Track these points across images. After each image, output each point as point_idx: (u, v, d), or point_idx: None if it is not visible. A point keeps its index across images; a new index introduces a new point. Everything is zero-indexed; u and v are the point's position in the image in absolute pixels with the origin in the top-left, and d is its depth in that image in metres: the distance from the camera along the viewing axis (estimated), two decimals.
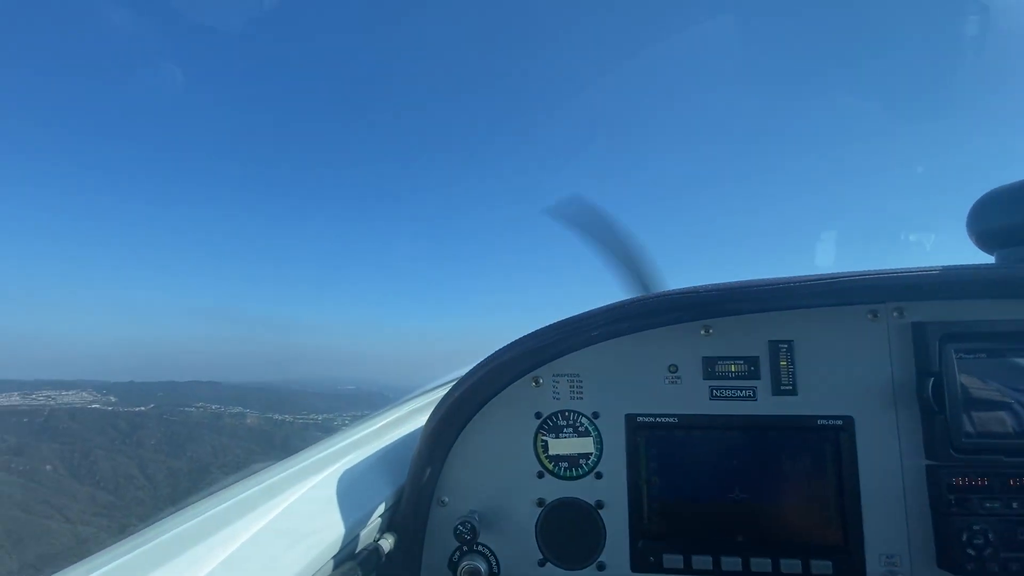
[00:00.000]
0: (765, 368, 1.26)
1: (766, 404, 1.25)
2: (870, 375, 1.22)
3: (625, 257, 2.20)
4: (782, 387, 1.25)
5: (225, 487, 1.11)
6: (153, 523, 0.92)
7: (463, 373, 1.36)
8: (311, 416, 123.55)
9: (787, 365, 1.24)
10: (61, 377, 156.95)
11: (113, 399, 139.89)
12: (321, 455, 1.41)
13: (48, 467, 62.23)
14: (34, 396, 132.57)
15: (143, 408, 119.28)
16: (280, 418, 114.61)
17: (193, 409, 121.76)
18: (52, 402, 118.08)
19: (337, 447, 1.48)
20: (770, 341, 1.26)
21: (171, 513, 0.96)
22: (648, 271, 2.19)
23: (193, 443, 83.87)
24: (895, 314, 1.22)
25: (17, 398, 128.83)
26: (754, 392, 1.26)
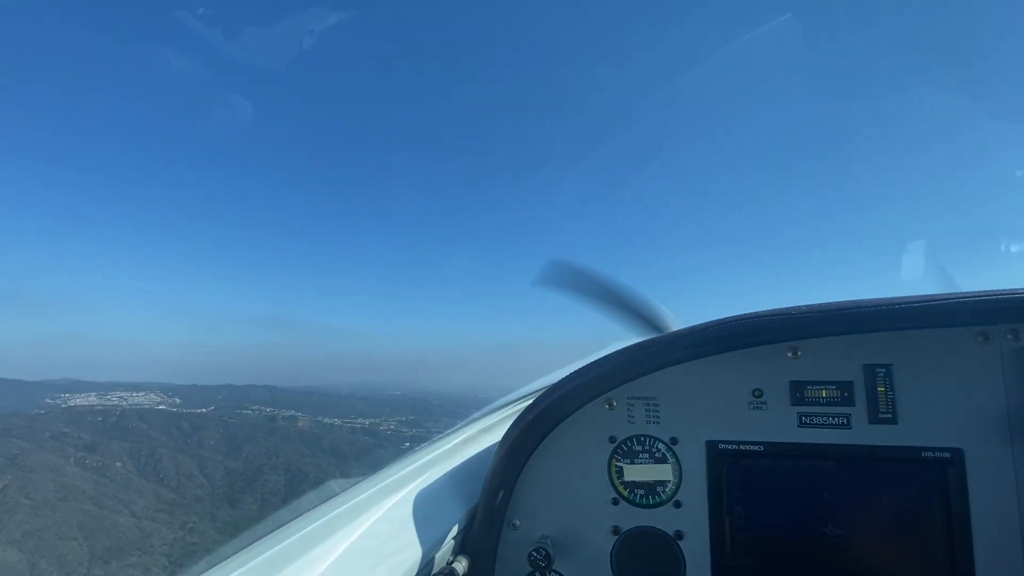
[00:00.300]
0: (860, 394, 1.16)
1: (862, 433, 1.15)
2: (981, 403, 1.11)
3: (626, 309, 2.06)
4: (880, 415, 1.14)
5: (308, 507, 1.16)
6: (238, 547, 0.94)
7: (533, 389, 1.47)
8: (358, 420, 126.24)
9: (885, 391, 1.14)
10: (133, 380, 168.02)
11: (178, 401, 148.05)
12: (399, 474, 1.43)
13: (118, 464, 65.95)
14: (108, 397, 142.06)
15: (204, 410, 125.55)
16: (329, 421, 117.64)
17: (249, 412, 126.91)
18: (124, 403, 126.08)
19: (413, 466, 1.50)
20: (865, 365, 1.16)
21: (257, 537, 0.99)
22: (655, 316, 2.05)
23: (249, 444, 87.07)
24: (1009, 336, 1.10)
25: (94, 398, 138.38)
26: (848, 420, 1.16)
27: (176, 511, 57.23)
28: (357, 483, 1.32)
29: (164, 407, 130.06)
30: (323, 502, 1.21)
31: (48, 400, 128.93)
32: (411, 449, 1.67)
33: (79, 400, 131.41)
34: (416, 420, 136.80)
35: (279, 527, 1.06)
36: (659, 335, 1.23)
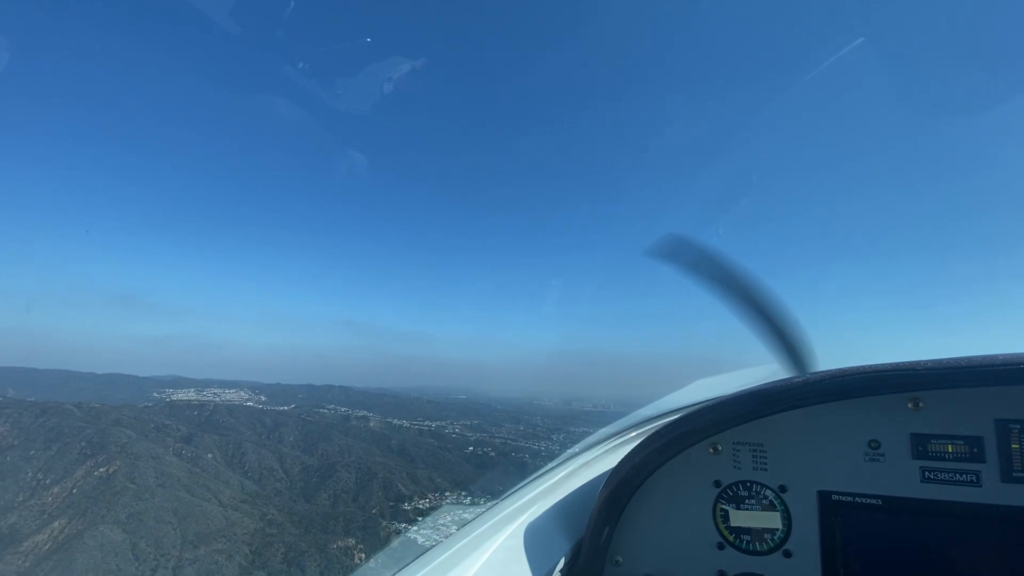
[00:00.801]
0: (991, 450, 1.06)
1: (994, 492, 1.05)
2: None
3: (753, 304, 1.91)
4: (1014, 474, 1.04)
5: (428, 543, 1.27)
6: None
7: (636, 420, 1.59)
8: (425, 423, 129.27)
9: (1020, 448, 1.04)
10: (227, 377, 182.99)
11: (263, 398, 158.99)
12: (512, 507, 1.52)
13: (209, 455, 71.35)
14: (205, 393, 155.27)
15: (285, 408, 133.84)
16: (398, 423, 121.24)
17: (326, 411, 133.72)
18: (217, 399, 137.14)
19: (524, 499, 1.58)
20: (997, 420, 1.06)
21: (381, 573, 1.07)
22: (782, 320, 1.92)
23: (324, 442, 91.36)
24: None
25: (193, 394, 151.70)
26: (977, 477, 1.06)
27: (257, 502, 60.78)
28: (474, 517, 1.43)
29: (251, 403, 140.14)
30: (443, 537, 1.31)
31: (155, 394, 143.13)
32: (522, 480, 1.76)
33: (180, 395, 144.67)
34: (480, 425, 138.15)
35: (404, 563, 1.15)
36: (768, 385, 1.16)
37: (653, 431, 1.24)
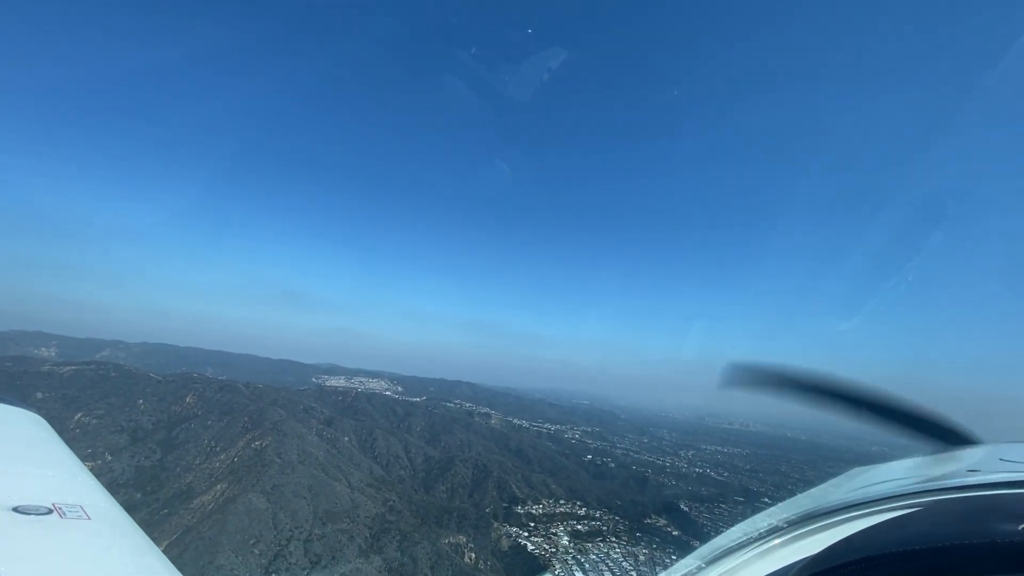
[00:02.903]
0: None
1: None
2: None
3: (858, 401, 1.86)
4: None
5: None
6: None
7: (804, 514, 1.63)
8: (545, 425, 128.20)
9: None
10: (373, 368, 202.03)
11: (400, 389, 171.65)
12: None
13: (345, 439, 77.86)
14: (352, 380, 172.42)
15: (417, 399, 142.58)
16: (518, 423, 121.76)
17: (452, 404, 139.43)
18: (361, 387, 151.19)
19: None
20: None
21: None
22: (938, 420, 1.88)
23: (447, 435, 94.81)
24: None
25: (342, 380, 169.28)
26: None
27: (382, 488, 64.36)
28: None
29: (389, 392, 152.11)
30: None
31: (313, 379, 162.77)
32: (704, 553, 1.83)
33: (332, 381, 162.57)
34: (601, 433, 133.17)
35: None
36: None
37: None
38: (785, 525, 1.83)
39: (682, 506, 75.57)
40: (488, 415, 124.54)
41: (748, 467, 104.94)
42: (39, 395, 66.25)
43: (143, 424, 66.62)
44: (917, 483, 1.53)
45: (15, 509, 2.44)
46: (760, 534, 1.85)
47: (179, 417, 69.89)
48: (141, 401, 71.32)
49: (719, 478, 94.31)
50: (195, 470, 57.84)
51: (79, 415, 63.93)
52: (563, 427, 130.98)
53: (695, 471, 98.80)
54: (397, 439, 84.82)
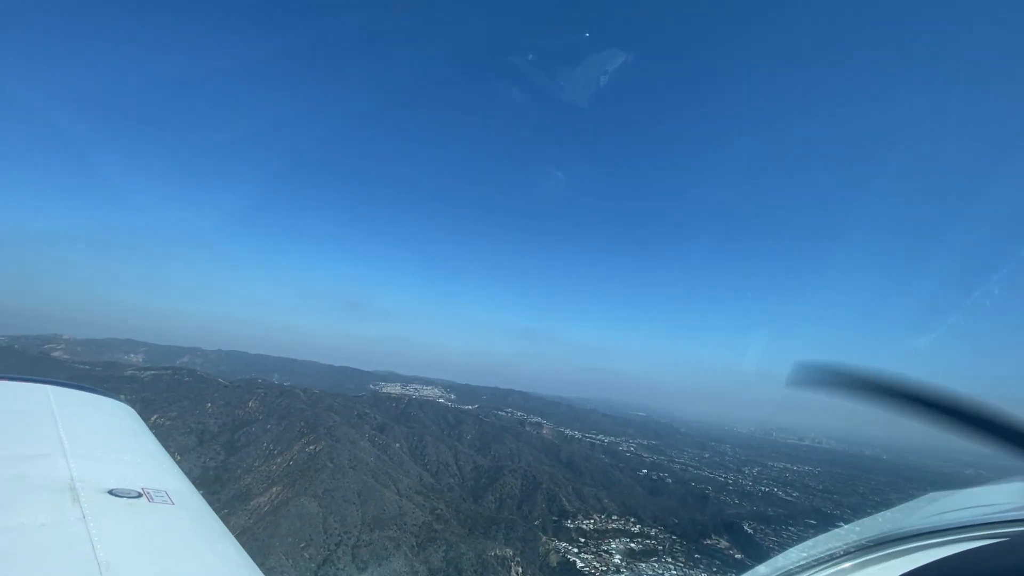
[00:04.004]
0: None
1: None
2: None
3: (942, 407, 1.66)
4: None
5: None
6: None
7: (877, 539, 1.57)
8: (598, 436, 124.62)
9: None
10: (428, 375, 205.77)
11: (453, 396, 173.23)
12: None
13: (397, 445, 78.82)
14: (407, 387, 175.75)
15: (469, 407, 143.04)
16: (570, 433, 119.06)
17: (504, 413, 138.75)
18: (415, 393, 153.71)
19: None
20: None
21: None
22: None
23: (496, 444, 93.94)
24: None
25: (397, 387, 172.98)
26: None
27: (430, 496, 64.30)
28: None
29: (442, 400, 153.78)
30: None
31: (371, 386, 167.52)
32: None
33: (388, 388, 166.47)
34: (658, 446, 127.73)
35: None
36: None
37: None
38: (853, 549, 1.73)
39: (746, 527, 70.44)
40: (539, 424, 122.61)
41: (821, 487, 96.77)
42: (121, 397, 71.46)
43: (210, 427, 70.43)
44: (1007, 511, 1.41)
45: (110, 492, 2.84)
46: (826, 556, 1.75)
47: (242, 420, 73.37)
48: (209, 405, 75.57)
49: (788, 498, 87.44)
50: (254, 472, 60.18)
51: (155, 416, 68.50)
52: (617, 439, 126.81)
53: (761, 489, 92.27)
54: (447, 447, 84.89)
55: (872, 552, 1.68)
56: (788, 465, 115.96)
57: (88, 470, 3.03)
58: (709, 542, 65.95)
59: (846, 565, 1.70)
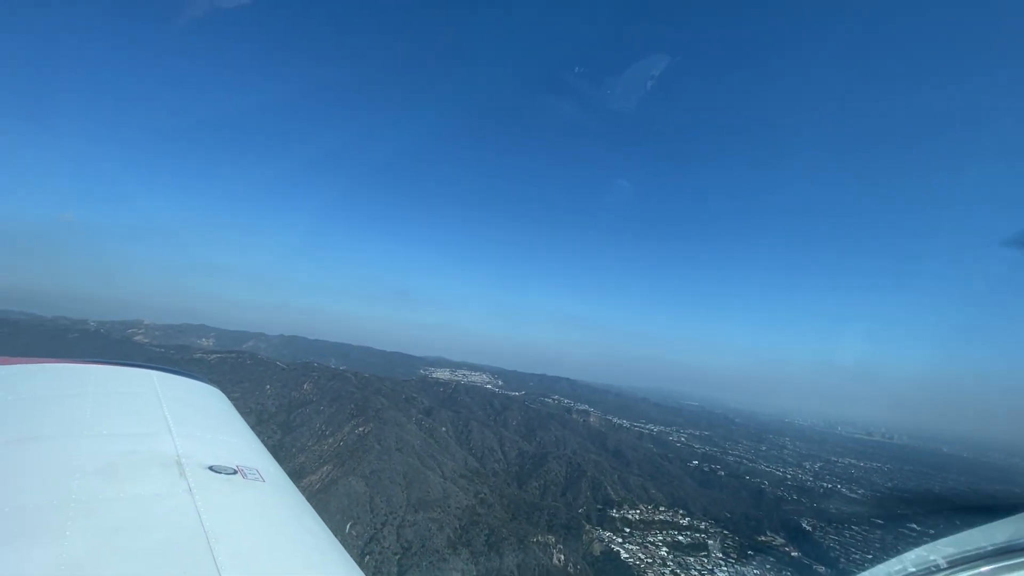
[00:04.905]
0: None
1: None
2: None
3: None
4: None
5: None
6: None
7: (967, 554, 1.51)
8: (647, 426, 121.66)
9: None
10: (477, 361, 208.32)
11: (500, 383, 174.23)
12: None
13: (443, 429, 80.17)
14: (456, 373, 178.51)
15: (516, 393, 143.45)
16: (618, 422, 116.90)
17: (550, 400, 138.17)
18: (463, 379, 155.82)
19: None
20: None
21: None
22: None
23: (542, 431, 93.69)
24: None
25: (447, 373, 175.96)
26: None
27: (474, 480, 64.99)
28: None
29: (489, 386, 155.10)
30: None
31: (421, 371, 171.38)
32: None
33: (438, 373, 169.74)
34: (711, 437, 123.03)
35: None
36: None
37: None
38: (947, 565, 1.61)
39: (804, 525, 66.57)
40: (586, 412, 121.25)
41: (890, 485, 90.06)
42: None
43: (268, 407, 74.26)
44: None
45: (210, 467, 3.13)
46: (917, 573, 1.63)
47: (297, 402, 76.85)
48: (268, 386, 79.69)
49: (852, 496, 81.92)
50: (307, 451, 62.89)
51: None
52: (667, 429, 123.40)
53: (822, 486, 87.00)
54: (492, 432, 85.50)
55: (971, 568, 1.54)
56: (854, 461, 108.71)
57: (191, 448, 3.41)
58: (764, 539, 62.88)
59: (984, 569, 1.54)
